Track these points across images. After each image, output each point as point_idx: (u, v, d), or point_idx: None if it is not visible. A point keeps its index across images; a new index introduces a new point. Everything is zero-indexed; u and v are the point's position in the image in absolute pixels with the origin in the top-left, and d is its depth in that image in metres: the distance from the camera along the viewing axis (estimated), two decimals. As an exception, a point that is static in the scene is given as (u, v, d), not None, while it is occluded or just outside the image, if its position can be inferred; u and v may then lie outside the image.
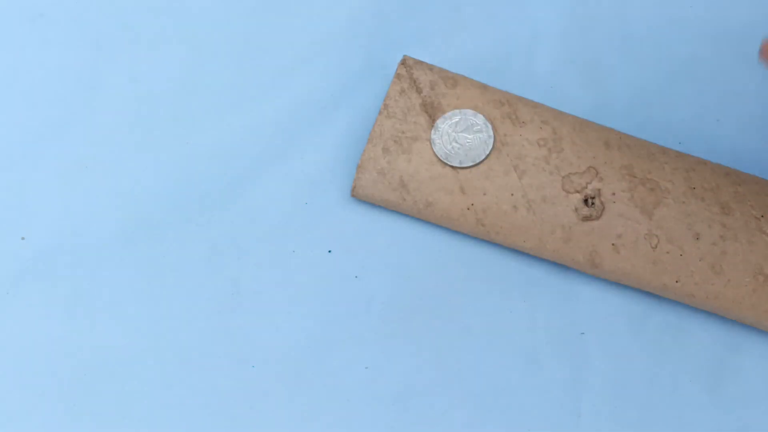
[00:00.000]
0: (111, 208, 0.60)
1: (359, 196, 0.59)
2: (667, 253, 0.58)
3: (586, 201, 0.58)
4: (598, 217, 0.58)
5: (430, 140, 0.59)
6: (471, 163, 0.58)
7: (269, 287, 0.59)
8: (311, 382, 0.58)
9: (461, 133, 0.59)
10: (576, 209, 0.58)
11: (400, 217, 0.60)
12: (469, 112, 0.59)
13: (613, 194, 0.58)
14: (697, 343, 0.59)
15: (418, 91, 0.59)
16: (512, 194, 0.58)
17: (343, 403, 0.58)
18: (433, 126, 0.59)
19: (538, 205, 0.58)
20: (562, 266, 0.59)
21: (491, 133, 0.59)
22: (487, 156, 0.59)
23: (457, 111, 0.59)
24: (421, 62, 0.60)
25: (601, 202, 0.58)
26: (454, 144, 0.59)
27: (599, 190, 0.58)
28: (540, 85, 0.61)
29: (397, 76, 0.59)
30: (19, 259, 0.59)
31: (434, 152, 0.59)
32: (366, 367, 0.58)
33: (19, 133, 0.61)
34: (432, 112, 0.59)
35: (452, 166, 0.58)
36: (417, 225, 0.60)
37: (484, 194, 0.58)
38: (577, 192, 0.58)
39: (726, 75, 0.62)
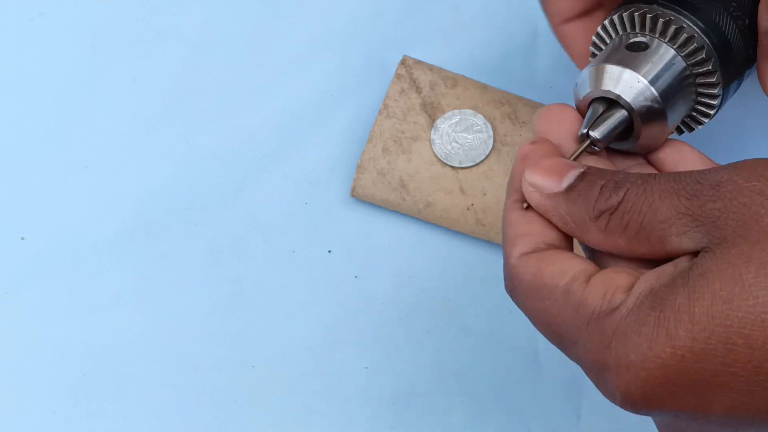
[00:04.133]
0: (111, 208, 0.60)
1: (359, 196, 0.59)
2: (667, 253, 0.57)
3: (586, 201, 0.58)
4: (598, 217, 0.58)
5: (429, 140, 0.59)
6: (471, 163, 0.58)
7: (269, 287, 0.59)
8: (311, 382, 0.58)
9: (461, 133, 0.59)
10: (576, 209, 0.58)
11: (400, 217, 0.60)
12: (469, 112, 0.59)
13: (613, 194, 0.58)
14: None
15: (418, 91, 0.59)
16: (512, 194, 0.58)
17: (343, 403, 0.58)
18: (432, 126, 0.59)
19: (538, 205, 0.58)
20: (562, 266, 0.59)
21: (491, 133, 0.59)
22: (487, 156, 0.59)
23: (457, 111, 0.59)
24: (421, 62, 0.60)
25: (601, 202, 0.58)
26: (454, 144, 0.59)
27: (599, 190, 0.58)
28: (540, 85, 0.61)
29: (397, 76, 0.60)
30: (19, 259, 0.59)
31: (434, 152, 0.59)
32: (366, 367, 0.58)
33: (19, 133, 0.61)
34: (432, 112, 0.59)
35: (452, 166, 0.58)
36: (417, 225, 0.60)
37: (484, 194, 0.58)
38: (577, 192, 0.58)
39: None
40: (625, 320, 0.40)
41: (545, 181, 0.44)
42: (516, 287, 0.43)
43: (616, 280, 0.41)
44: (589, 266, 0.42)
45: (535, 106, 0.59)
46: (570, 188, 0.43)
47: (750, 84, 0.63)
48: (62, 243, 0.60)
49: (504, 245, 0.44)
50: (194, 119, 0.61)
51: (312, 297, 0.59)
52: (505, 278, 0.44)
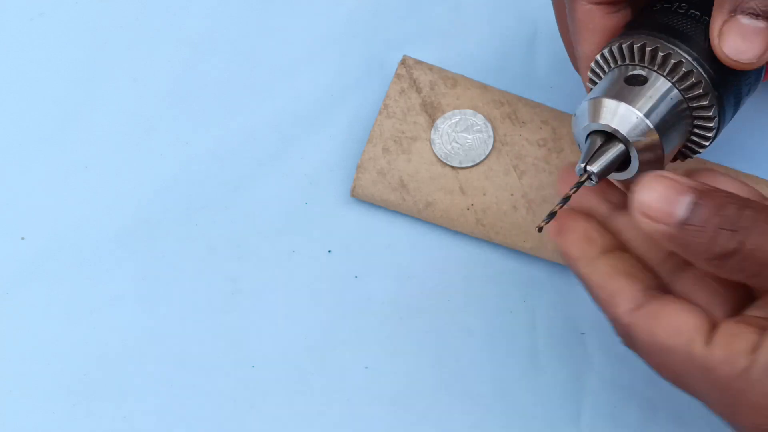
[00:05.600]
0: (111, 208, 0.60)
1: (359, 196, 0.59)
2: (667, 253, 0.57)
3: (586, 201, 0.58)
4: (598, 217, 0.58)
5: (429, 140, 0.59)
6: (471, 163, 0.58)
7: (269, 287, 0.59)
8: (311, 382, 0.58)
9: (461, 133, 0.59)
10: (576, 209, 0.58)
11: (400, 217, 0.60)
12: (469, 112, 0.59)
13: (613, 194, 0.58)
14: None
15: (418, 91, 0.59)
16: (512, 194, 0.58)
17: (343, 403, 0.58)
18: (432, 126, 0.59)
19: (538, 205, 0.58)
20: (562, 266, 0.59)
21: (491, 133, 0.59)
22: (487, 156, 0.59)
23: (456, 111, 0.59)
24: (421, 62, 0.60)
25: (601, 202, 0.58)
26: (453, 144, 0.59)
27: (599, 190, 0.58)
28: (540, 85, 0.61)
29: (397, 76, 0.60)
30: (19, 259, 0.59)
31: (434, 152, 0.59)
32: (366, 367, 0.58)
33: (19, 133, 0.61)
34: (432, 112, 0.59)
35: (452, 166, 0.58)
36: (417, 225, 0.60)
37: (484, 194, 0.58)
38: (577, 192, 0.58)
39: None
40: (753, 389, 0.42)
41: (659, 214, 0.43)
42: (635, 345, 0.44)
43: (736, 344, 0.42)
44: (699, 321, 0.43)
45: (535, 106, 0.59)
46: (684, 222, 0.43)
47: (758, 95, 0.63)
48: (62, 243, 0.60)
49: (602, 305, 0.45)
50: (194, 119, 0.61)
51: (312, 297, 0.59)
52: (621, 335, 0.45)
